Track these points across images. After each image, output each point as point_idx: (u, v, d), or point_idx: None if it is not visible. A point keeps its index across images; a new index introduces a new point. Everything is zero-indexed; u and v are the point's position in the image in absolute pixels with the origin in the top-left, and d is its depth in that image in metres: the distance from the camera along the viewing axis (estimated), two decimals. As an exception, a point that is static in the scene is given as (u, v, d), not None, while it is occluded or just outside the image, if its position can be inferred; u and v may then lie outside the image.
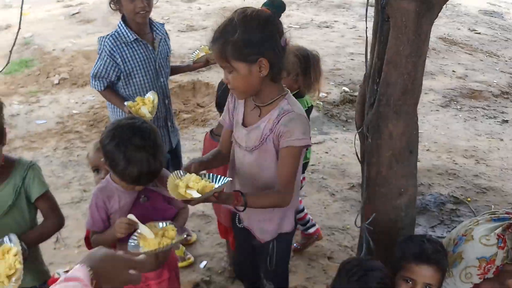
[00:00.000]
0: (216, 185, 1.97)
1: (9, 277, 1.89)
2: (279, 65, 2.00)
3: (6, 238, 1.94)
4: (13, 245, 1.92)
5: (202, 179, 1.98)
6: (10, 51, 2.34)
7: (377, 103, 2.34)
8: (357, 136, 2.65)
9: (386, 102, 2.29)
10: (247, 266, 2.63)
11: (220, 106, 2.94)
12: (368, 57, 2.51)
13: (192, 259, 3.48)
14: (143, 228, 2.03)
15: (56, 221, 2.20)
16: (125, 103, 3.03)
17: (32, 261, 2.02)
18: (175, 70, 3.60)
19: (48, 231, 2.20)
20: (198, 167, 2.15)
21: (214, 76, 6.63)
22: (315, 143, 5.12)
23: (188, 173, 2.02)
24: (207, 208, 4.05)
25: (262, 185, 2.19)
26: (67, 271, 3.32)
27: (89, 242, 2.41)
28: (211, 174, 2.05)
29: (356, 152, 2.64)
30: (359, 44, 8.08)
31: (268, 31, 1.95)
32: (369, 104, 2.40)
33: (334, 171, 4.63)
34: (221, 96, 2.90)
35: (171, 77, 6.50)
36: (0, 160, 1.98)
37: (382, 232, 2.54)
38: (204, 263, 3.47)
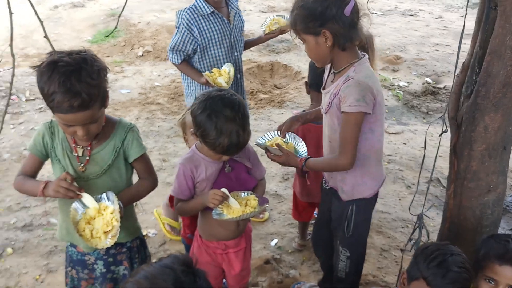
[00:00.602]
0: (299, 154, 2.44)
1: (106, 233, 2.00)
2: (345, 35, 2.09)
3: (104, 195, 2.04)
4: (110, 204, 2.02)
5: (286, 143, 2.47)
6: (119, 17, 2.44)
7: (474, 94, 2.24)
8: (430, 128, 2.60)
9: (485, 93, 2.20)
10: (324, 235, 2.67)
11: (309, 85, 2.94)
12: (462, 45, 2.41)
13: None
14: (231, 200, 2.11)
15: (151, 182, 2.26)
16: (203, 73, 3.13)
17: (126, 218, 2.08)
18: (248, 44, 3.62)
19: (142, 190, 2.26)
20: (289, 127, 2.53)
21: (293, 58, 6.62)
22: (392, 133, 5.02)
23: (277, 135, 2.52)
24: (279, 188, 4.09)
25: (337, 146, 2.29)
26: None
27: (173, 201, 2.52)
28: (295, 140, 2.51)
29: (425, 145, 2.68)
30: (444, 34, 7.80)
31: (327, 4, 2.04)
32: (466, 95, 2.31)
33: (412, 163, 4.52)
34: (311, 76, 2.90)
35: (250, 57, 6.59)
36: (103, 121, 2.06)
37: (466, 228, 2.47)
38: (275, 241, 3.51)
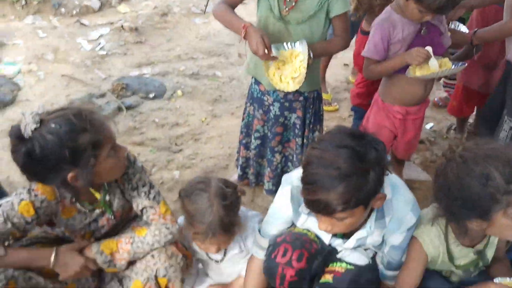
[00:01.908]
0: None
1: (293, 78, 2.13)
2: None
3: (298, 43, 2.13)
4: (301, 51, 2.11)
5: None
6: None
7: None
8: None
9: None
10: (495, 107, 2.59)
11: None
12: None
13: (337, 107, 3.68)
14: (432, 60, 2.12)
15: (343, 42, 2.28)
16: None
17: (311, 69, 2.15)
18: None
19: (334, 46, 2.31)
20: (452, 16, 2.50)
21: None
22: None
23: None
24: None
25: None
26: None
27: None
28: None
29: None
30: None
31: None
32: None
33: None
34: None
35: None
36: None
37: None
38: (430, 124, 3.51)
